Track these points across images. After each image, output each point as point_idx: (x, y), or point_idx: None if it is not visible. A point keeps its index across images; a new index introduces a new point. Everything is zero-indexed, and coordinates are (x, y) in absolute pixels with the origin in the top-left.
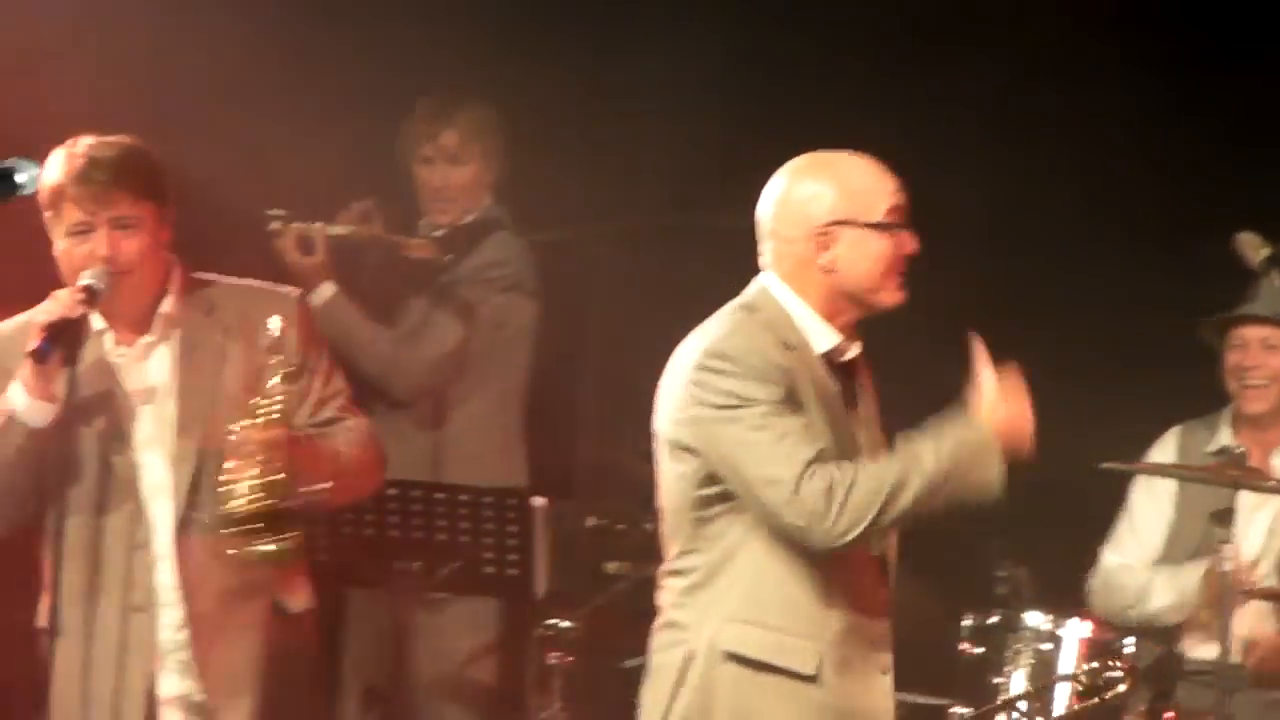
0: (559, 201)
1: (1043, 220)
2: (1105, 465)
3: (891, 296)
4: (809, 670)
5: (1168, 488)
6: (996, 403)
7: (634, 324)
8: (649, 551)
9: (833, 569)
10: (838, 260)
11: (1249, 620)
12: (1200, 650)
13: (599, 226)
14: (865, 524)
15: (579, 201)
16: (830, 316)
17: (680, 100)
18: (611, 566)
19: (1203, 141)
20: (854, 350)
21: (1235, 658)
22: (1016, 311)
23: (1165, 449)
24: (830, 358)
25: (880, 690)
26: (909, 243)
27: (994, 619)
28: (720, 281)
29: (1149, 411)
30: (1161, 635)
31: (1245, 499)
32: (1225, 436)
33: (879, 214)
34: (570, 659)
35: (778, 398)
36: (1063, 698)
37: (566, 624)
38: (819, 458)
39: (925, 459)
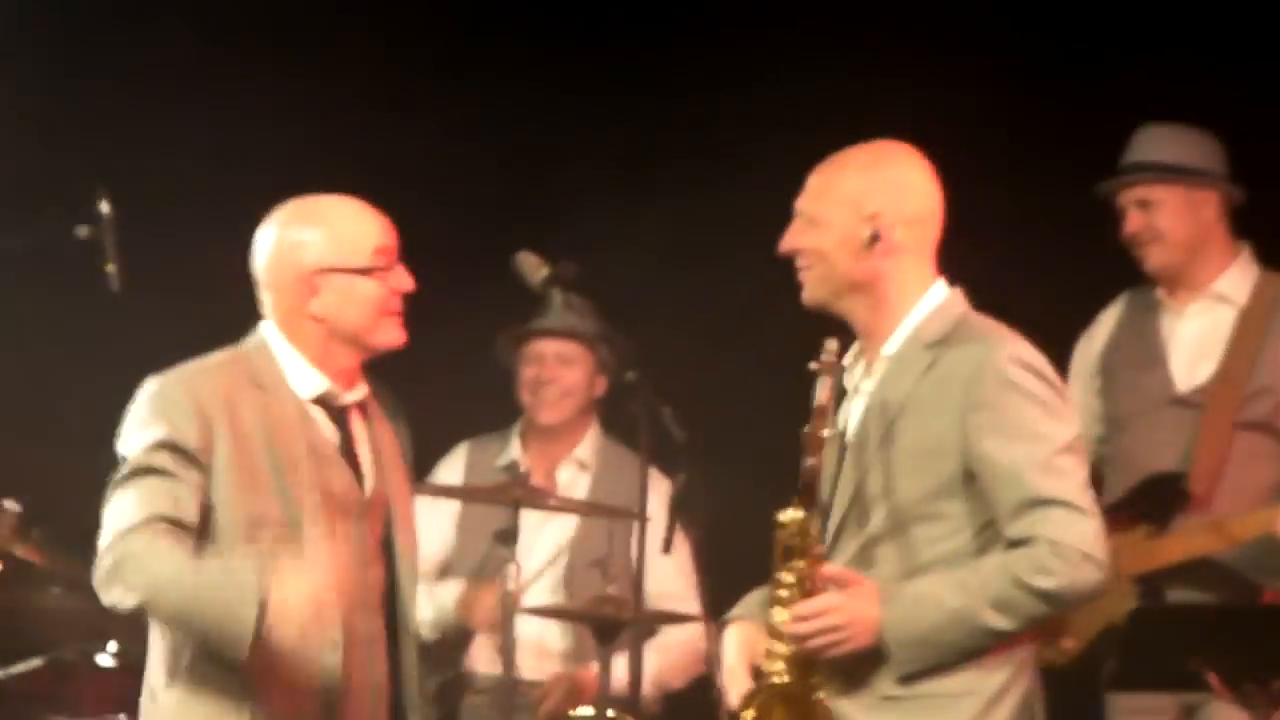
0: None
1: None
2: None
3: (388, 337)
4: None
5: (450, 504)
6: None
7: None
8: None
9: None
10: (327, 307)
11: (532, 639)
12: (487, 666)
13: None
14: (123, 599)
15: None
16: (323, 362)
17: None
18: None
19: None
20: (353, 395)
21: (521, 673)
22: None
23: (453, 465)
24: (326, 403)
25: None
26: (403, 281)
27: None
28: None
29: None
30: (451, 653)
31: (530, 516)
32: (514, 450)
33: (365, 258)
34: None
35: (172, 444)
36: None
37: None
38: (146, 523)
39: (196, 572)
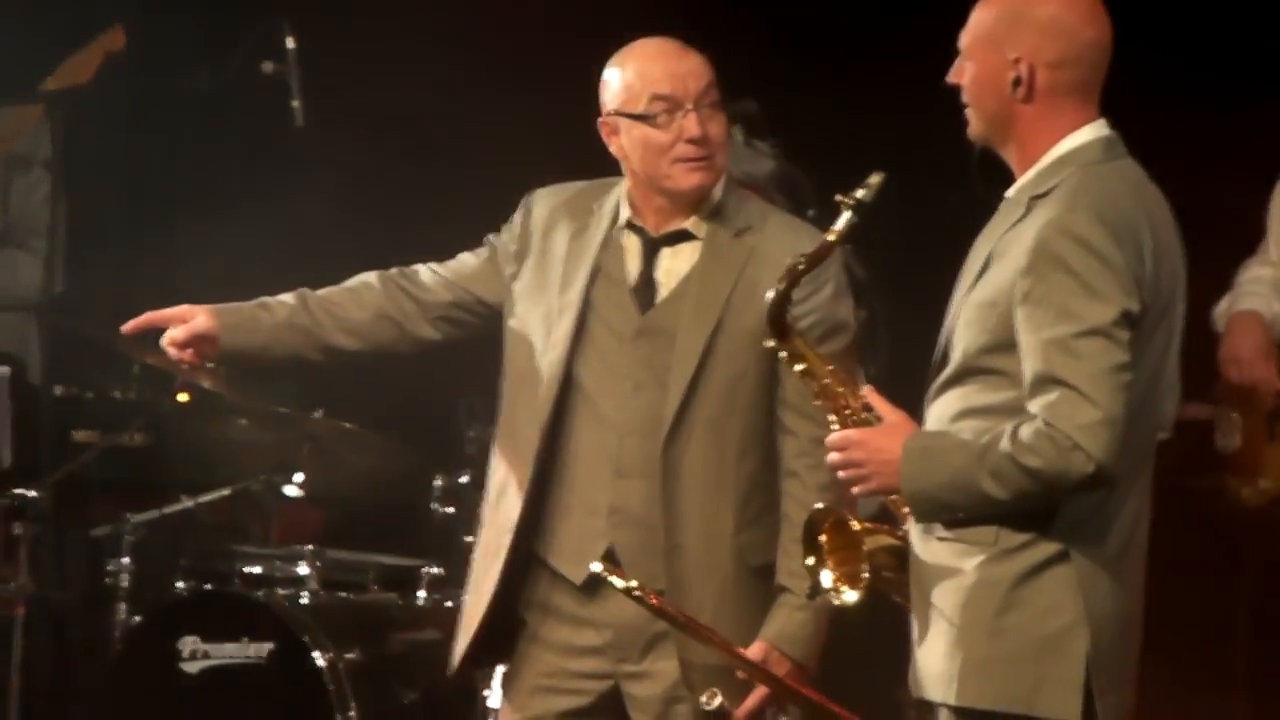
0: None
1: None
2: None
3: (678, 182)
4: None
5: None
6: None
7: None
8: (118, 420)
9: None
10: (621, 149)
11: None
12: None
13: None
14: None
15: None
16: (638, 197)
17: None
18: (80, 435)
19: None
20: (665, 231)
21: None
22: None
23: None
24: (643, 234)
25: None
26: (689, 128)
27: (464, 478)
28: None
29: None
30: None
31: None
32: None
33: (642, 104)
34: (36, 528)
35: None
36: None
37: (32, 494)
38: None
39: None
